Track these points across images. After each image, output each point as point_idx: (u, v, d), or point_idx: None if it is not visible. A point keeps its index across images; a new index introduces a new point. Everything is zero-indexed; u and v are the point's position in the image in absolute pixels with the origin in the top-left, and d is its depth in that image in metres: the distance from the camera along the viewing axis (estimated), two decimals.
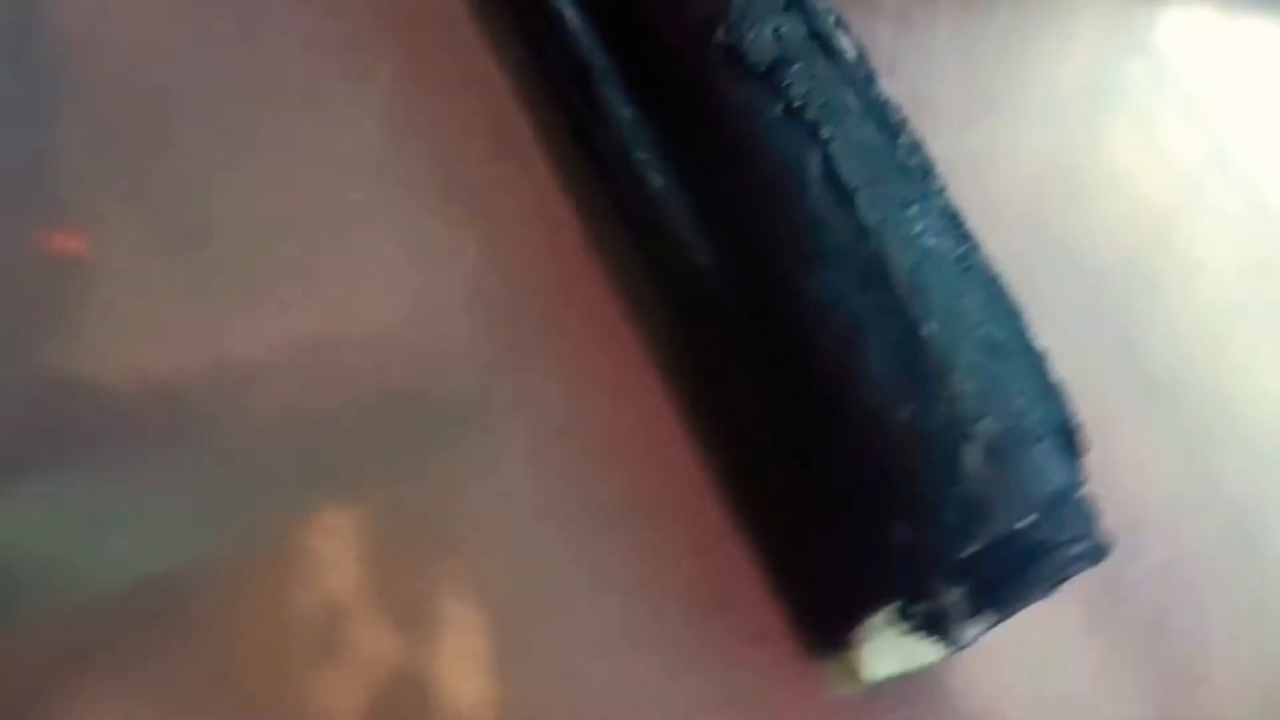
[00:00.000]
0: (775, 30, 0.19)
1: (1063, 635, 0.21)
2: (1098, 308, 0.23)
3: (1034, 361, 0.18)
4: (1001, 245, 0.19)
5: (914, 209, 0.18)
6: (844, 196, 0.18)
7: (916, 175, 0.19)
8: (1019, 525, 0.17)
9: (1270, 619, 0.21)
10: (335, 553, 0.20)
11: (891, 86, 0.19)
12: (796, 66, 0.19)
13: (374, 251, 0.21)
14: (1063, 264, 0.23)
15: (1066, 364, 0.18)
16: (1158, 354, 0.23)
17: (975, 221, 0.19)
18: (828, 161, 0.18)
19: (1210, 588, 0.21)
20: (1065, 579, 0.18)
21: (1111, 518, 0.18)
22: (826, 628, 0.19)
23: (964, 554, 0.17)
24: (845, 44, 0.19)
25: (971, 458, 0.17)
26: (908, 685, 0.20)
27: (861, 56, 0.19)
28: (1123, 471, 0.21)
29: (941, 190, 0.19)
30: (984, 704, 0.21)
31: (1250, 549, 0.22)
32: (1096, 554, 0.18)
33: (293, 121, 0.22)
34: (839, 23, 0.20)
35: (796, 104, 0.18)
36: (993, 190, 0.22)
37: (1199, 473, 0.22)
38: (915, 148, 0.19)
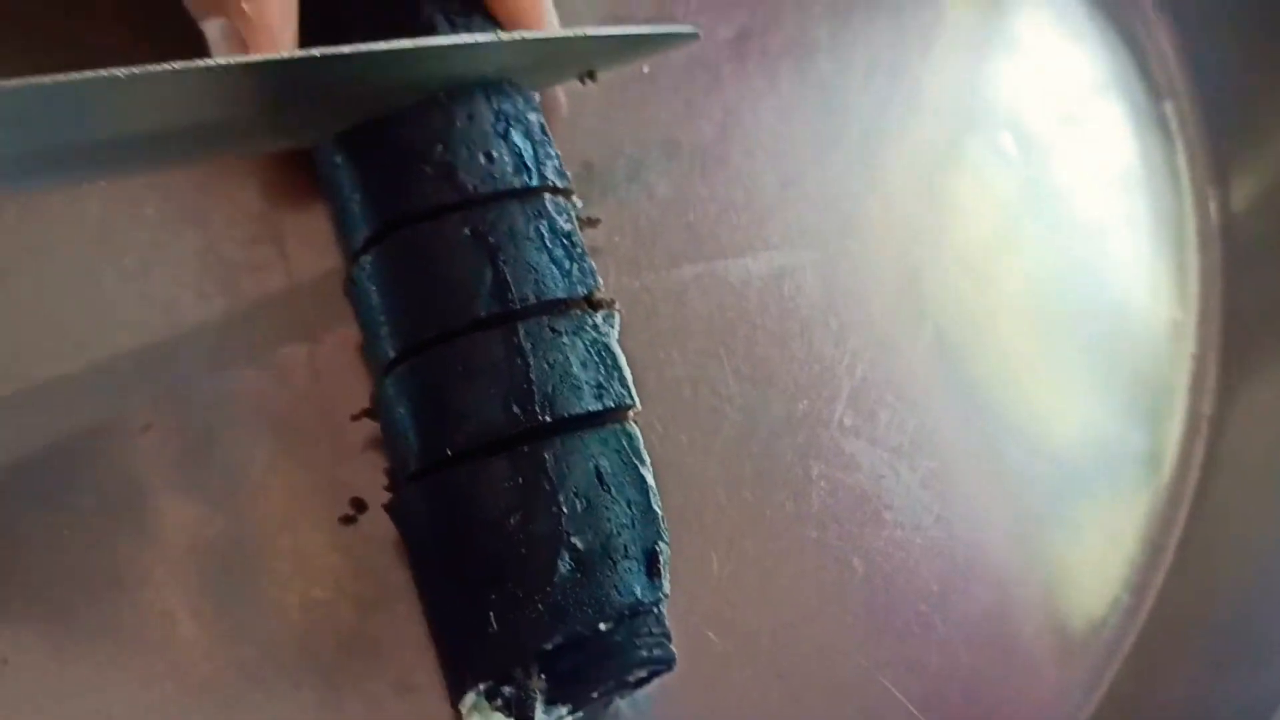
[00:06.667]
0: (487, 154, 0.22)
1: None
2: None
3: (637, 491, 0.21)
4: None
5: (565, 338, 0.21)
6: (507, 316, 0.21)
7: (577, 305, 0.22)
8: (598, 629, 0.19)
9: None
10: None
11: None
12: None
13: None
14: None
15: None
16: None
17: None
18: (499, 277, 0.21)
19: None
20: (634, 680, 0.21)
21: None
22: (449, 697, 0.21)
23: (544, 648, 0.19)
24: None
25: (564, 566, 0.20)
26: None
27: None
28: None
29: (595, 325, 0.22)
30: None
31: None
32: (664, 662, 0.20)
33: None
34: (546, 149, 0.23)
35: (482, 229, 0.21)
36: None
37: None
38: (584, 275, 0.22)
